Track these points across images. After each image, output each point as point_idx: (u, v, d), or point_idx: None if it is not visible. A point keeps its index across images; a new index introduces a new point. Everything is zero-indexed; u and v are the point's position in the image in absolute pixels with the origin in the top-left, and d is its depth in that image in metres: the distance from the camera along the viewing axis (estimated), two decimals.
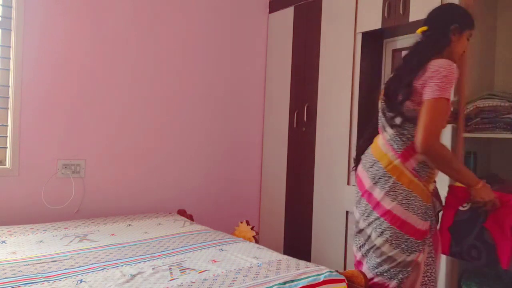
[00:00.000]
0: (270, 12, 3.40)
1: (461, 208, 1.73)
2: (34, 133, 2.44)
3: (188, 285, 1.48)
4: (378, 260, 1.67)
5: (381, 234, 1.64)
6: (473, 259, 1.69)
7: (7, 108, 2.39)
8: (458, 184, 1.73)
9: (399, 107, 1.62)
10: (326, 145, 2.86)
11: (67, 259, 1.73)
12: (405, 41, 2.66)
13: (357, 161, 1.85)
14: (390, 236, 1.62)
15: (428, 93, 1.54)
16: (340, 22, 2.78)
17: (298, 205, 3.07)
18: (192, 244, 2.01)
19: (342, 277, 1.62)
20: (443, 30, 1.67)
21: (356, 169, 1.84)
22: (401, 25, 2.46)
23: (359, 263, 1.79)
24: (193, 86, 3.06)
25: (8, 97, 2.38)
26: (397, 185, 1.62)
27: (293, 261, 1.78)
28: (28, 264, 1.64)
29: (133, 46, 2.77)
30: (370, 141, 1.81)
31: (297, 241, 3.07)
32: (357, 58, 2.68)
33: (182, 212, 2.79)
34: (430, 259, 1.67)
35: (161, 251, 1.88)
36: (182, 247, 1.96)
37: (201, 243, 2.04)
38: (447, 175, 1.68)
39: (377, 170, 1.67)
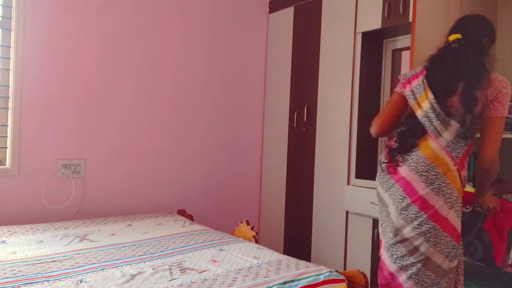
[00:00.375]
0: (270, 12, 3.40)
1: (464, 209, 1.80)
2: (34, 133, 2.44)
3: (188, 285, 1.48)
4: (429, 273, 1.59)
5: (436, 244, 1.58)
6: (470, 255, 1.85)
7: (7, 108, 2.39)
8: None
9: (466, 117, 1.59)
10: (326, 145, 2.86)
11: (67, 259, 1.73)
12: (405, 41, 2.66)
13: (392, 158, 1.72)
14: (443, 245, 1.58)
15: (500, 110, 1.58)
16: (340, 22, 2.78)
17: (298, 205, 3.07)
18: (192, 244, 2.01)
19: (342, 277, 1.63)
20: (479, 41, 1.68)
21: (393, 168, 1.71)
22: (401, 25, 2.46)
23: (392, 277, 1.67)
24: (193, 86, 3.06)
25: (8, 97, 2.38)
26: (453, 192, 1.60)
27: (293, 261, 1.78)
28: (28, 264, 1.64)
29: (132, 46, 2.77)
30: (413, 141, 1.69)
31: (297, 241, 3.07)
32: (357, 58, 2.68)
33: (182, 212, 2.79)
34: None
35: (161, 251, 1.88)
36: (182, 247, 1.96)
37: (201, 243, 2.04)
38: (480, 183, 1.75)
39: (434, 175, 1.60)
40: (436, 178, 1.59)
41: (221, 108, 3.21)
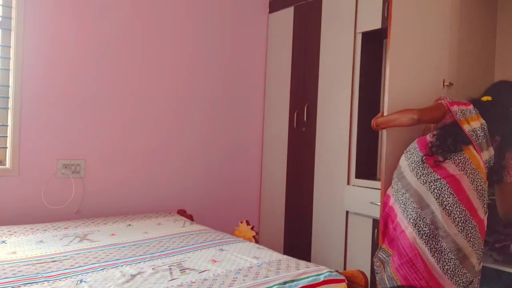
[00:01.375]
0: (270, 12, 3.40)
1: None
2: (34, 133, 2.44)
3: (188, 285, 1.48)
4: (465, 271, 1.67)
5: (473, 245, 1.67)
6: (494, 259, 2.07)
7: (7, 108, 2.39)
8: None
9: (498, 159, 1.83)
10: (326, 145, 2.86)
11: (67, 259, 1.73)
12: None
13: (433, 153, 1.78)
14: (477, 246, 1.68)
15: None
16: (340, 22, 2.78)
17: (298, 205, 3.07)
18: (192, 244, 2.01)
19: (342, 277, 1.63)
20: (506, 108, 1.88)
21: (438, 163, 1.75)
22: None
23: (424, 264, 1.68)
24: (193, 86, 3.06)
25: (8, 97, 2.38)
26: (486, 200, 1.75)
27: (293, 261, 1.78)
28: (28, 264, 1.64)
29: (133, 46, 2.77)
30: (459, 145, 1.78)
31: (297, 241, 3.07)
32: (357, 58, 2.68)
33: (182, 212, 2.79)
34: None
35: (161, 251, 1.88)
36: (182, 247, 1.96)
37: (201, 243, 2.04)
38: None
39: (478, 180, 1.73)
40: (480, 182, 1.72)
41: (221, 108, 3.21)
